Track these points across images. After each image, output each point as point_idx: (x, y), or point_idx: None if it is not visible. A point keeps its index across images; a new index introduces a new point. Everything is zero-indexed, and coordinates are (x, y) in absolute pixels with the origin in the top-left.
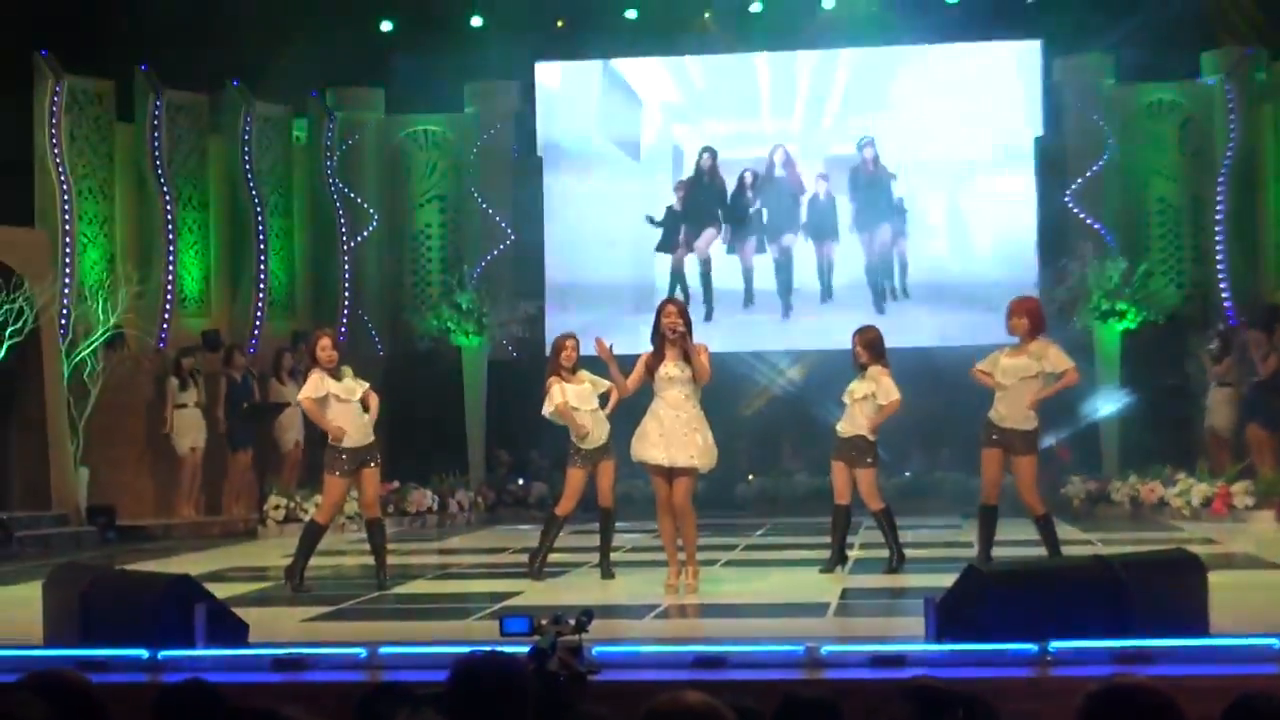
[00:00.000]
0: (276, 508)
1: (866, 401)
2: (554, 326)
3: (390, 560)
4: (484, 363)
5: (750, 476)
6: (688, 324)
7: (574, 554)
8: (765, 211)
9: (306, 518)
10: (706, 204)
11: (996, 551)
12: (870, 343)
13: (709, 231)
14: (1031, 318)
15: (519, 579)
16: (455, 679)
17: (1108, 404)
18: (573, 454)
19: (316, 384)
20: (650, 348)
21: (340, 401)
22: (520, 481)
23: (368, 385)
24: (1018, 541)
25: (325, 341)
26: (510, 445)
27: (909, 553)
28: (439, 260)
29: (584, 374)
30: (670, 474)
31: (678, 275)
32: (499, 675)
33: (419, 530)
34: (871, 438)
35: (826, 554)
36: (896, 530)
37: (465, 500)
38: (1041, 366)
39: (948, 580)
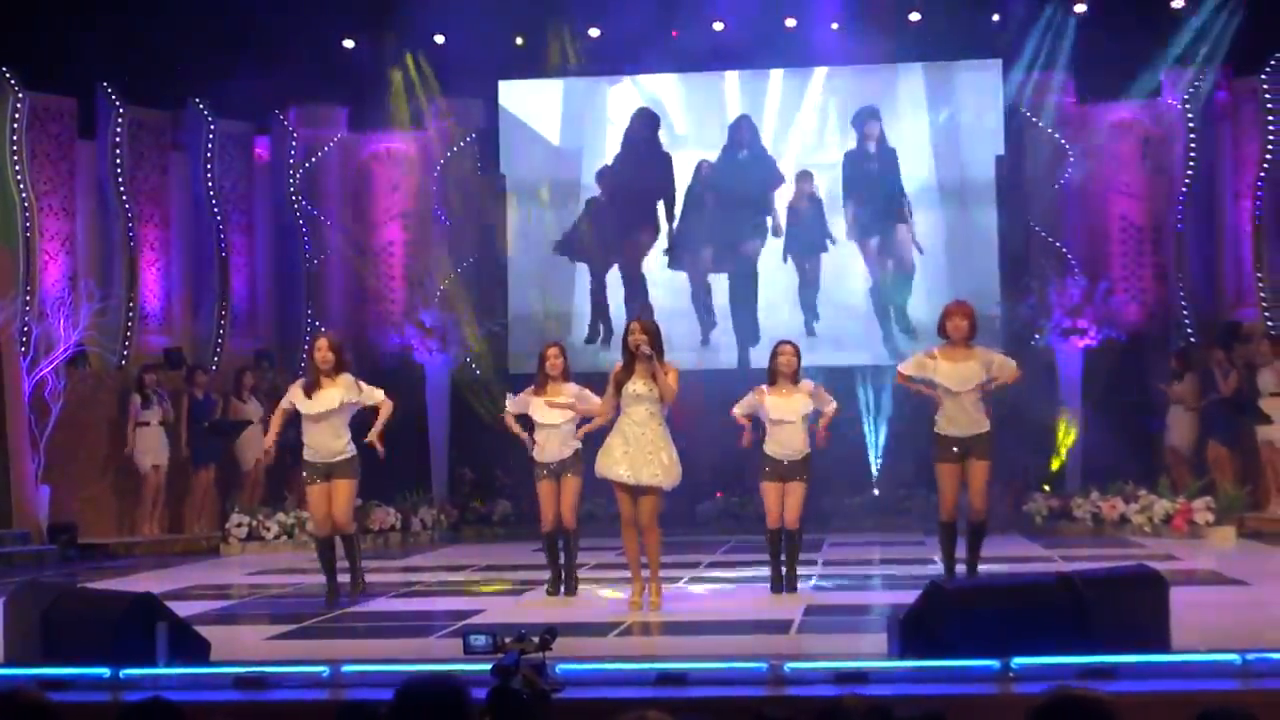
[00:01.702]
0: (239, 525)
1: (804, 419)
2: (518, 345)
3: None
4: (447, 381)
5: (719, 494)
6: (655, 342)
7: (538, 571)
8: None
9: (270, 535)
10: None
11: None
12: (798, 355)
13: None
14: (972, 321)
15: (483, 597)
16: (398, 702)
17: (1070, 421)
18: (535, 469)
19: (290, 396)
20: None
21: (311, 420)
22: (484, 500)
23: (379, 396)
24: (986, 558)
25: (321, 343)
26: (474, 463)
27: (875, 571)
28: (402, 278)
29: (570, 387)
30: (635, 491)
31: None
32: (440, 698)
33: (382, 548)
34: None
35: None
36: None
37: (428, 518)
38: (989, 373)
39: (911, 598)
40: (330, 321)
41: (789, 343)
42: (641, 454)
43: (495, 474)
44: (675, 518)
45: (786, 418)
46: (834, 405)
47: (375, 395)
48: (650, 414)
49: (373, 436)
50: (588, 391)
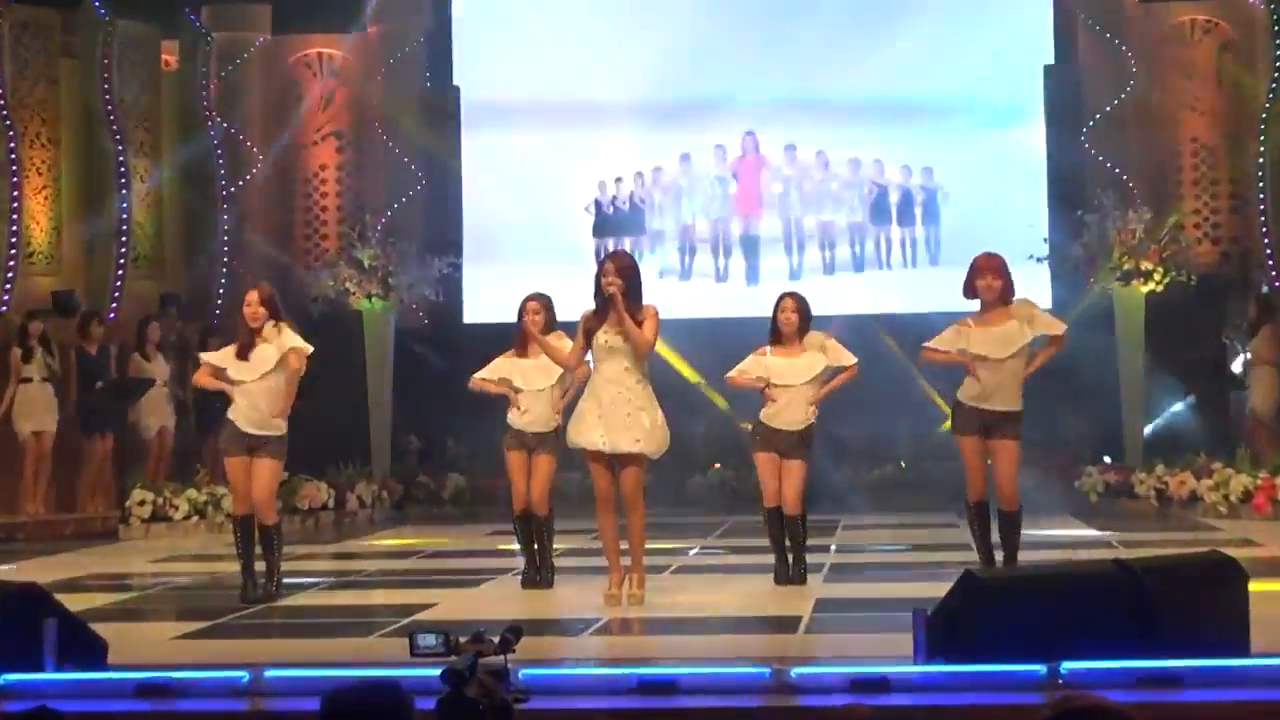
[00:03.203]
0: (141, 504)
1: (813, 382)
2: (473, 287)
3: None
4: (390, 331)
5: (716, 465)
6: (631, 282)
7: (498, 559)
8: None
9: (178, 515)
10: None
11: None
12: (805, 308)
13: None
14: (1007, 279)
15: (432, 588)
16: (326, 713)
17: (1130, 381)
18: (507, 435)
19: (219, 357)
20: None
21: (238, 384)
22: (433, 474)
23: (298, 345)
24: (1031, 542)
25: (251, 296)
26: (421, 430)
27: (899, 558)
28: (336, 209)
29: (555, 339)
30: (612, 462)
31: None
32: (377, 709)
33: (311, 531)
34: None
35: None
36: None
37: (367, 495)
38: (1030, 332)
39: (940, 589)
40: (250, 260)
41: (793, 296)
42: (619, 417)
43: (446, 443)
44: (661, 494)
45: (790, 380)
46: (854, 361)
47: (285, 342)
48: (626, 369)
49: (277, 410)
50: (567, 340)
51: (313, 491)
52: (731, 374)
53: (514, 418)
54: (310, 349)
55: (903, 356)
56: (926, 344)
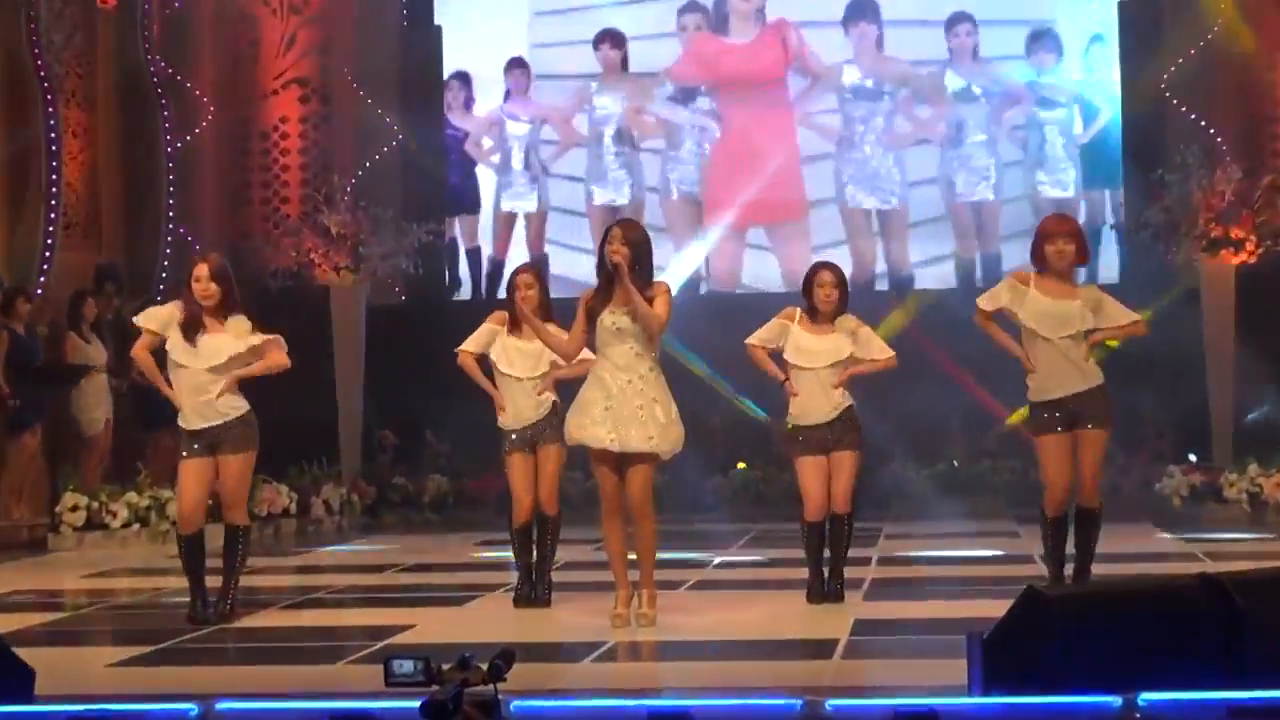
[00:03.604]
0: (74, 509)
1: (841, 365)
2: (461, 259)
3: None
4: (361, 309)
5: (740, 464)
6: (641, 254)
7: (485, 573)
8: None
9: (116, 524)
10: None
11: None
12: (845, 284)
13: None
14: (1081, 245)
15: (410, 606)
16: None
17: (1219, 368)
18: (503, 440)
19: (157, 323)
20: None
21: (182, 369)
22: (411, 474)
23: (275, 338)
24: (1105, 554)
25: (200, 270)
26: (398, 423)
27: (951, 571)
28: (300, 168)
29: (551, 328)
30: (620, 462)
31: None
32: None
33: (271, 541)
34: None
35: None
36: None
37: (334, 499)
38: (1092, 320)
39: (999, 609)
40: (200, 227)
41: (830, 268)
42: (628, 410)
43: (426, 438)
44: (676, 498)
45: (807, 362)
46: (889, 356)
47: (270, 350)
48: (637, 355)
49: (225, 386)
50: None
51: (271, 495)
52: (752, 340)
53: (504, 418)
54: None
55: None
56: (981, 302)
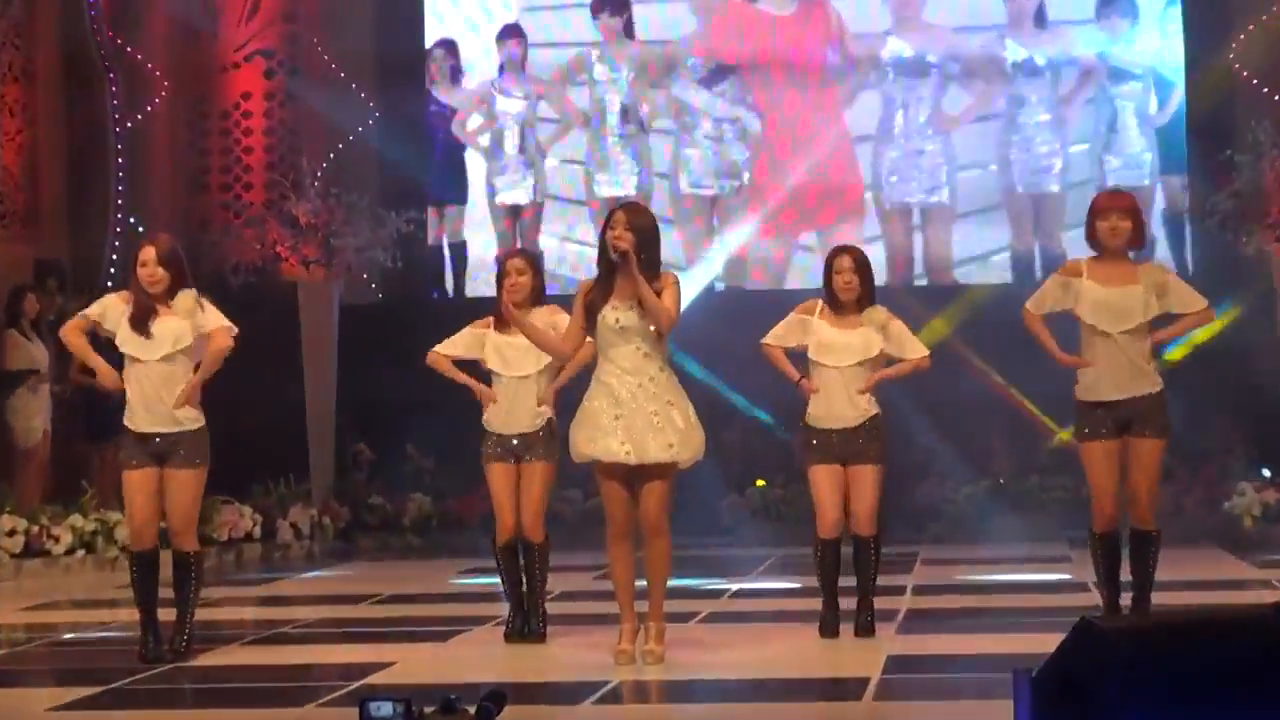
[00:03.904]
0: (11, 534)
1: (871, 364)
2: (440, 249)
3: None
4: (333, 308)
5: (759, 481)
6: (647, 241)
7: (472, 604)
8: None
9: (58, 549)
10: None
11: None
12: (867, 270)
13: None
14: (1137, 222)
15: (389, 642)
16: None
17: None
18: (483, 441)
19: (101, 313)
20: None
21: (136, 363)
22: (390, 493)
23: (225, 325)
24: (1168, 581)
25: (146, 253)
26: (375, 436)
27: (995, 601)
28: (264, 151)
29: (541, 314)
30: (634, 477)
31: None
32: None
33: (232, 568)
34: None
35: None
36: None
37: (304, 521)
38: (1156, 306)
39: (1049, 643)
40: (152, 216)
41: (850, 251)
42: (643, 417)
43: (407, 453)
44: (687, 519)
45: (833, 360)
46: (922, 354)
47: (209, 321)
48: (645, 355)
49: (182, 397)
50: (563, 315)
51: (233, 518)
52: (768, 340)
53: (492, 417)
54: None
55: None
56: (1029, 305)
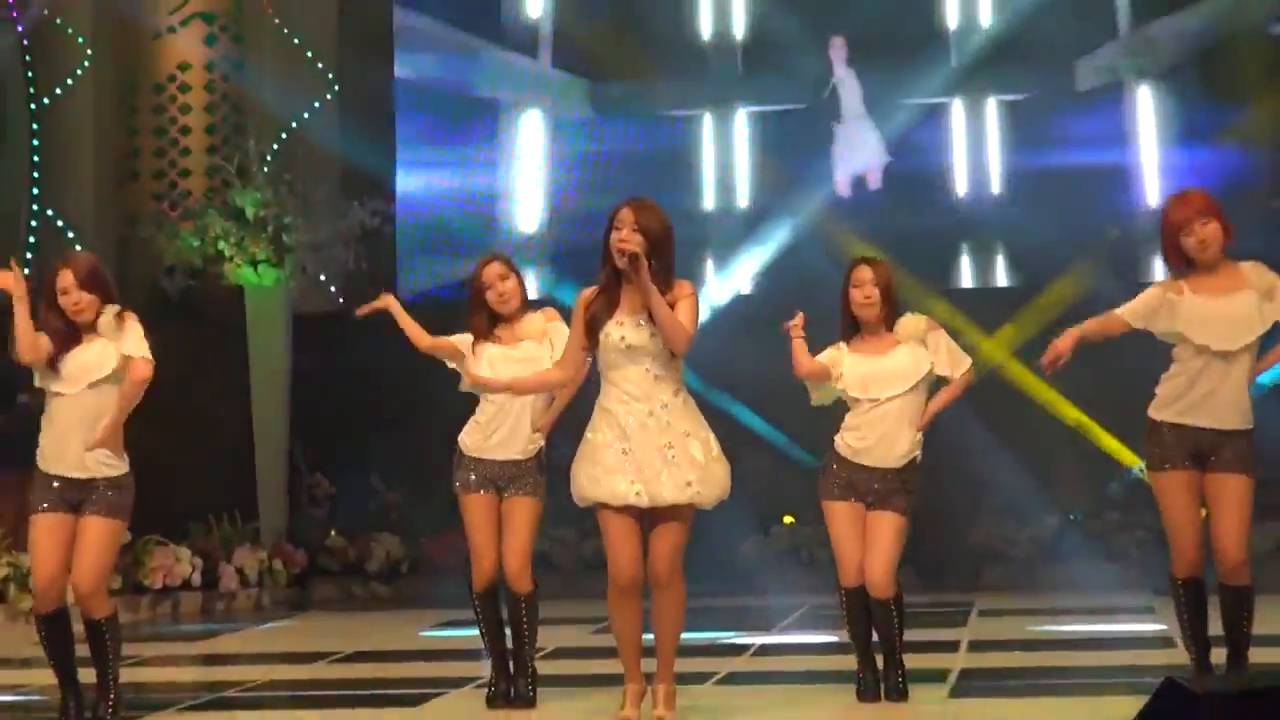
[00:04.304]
0: None
1: (918, 390)
2: (412, 247)
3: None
4: (286, 315)
5: (787, 518)
6: (659, 243)
7: (448, 662)
8: None
9: None
10: None
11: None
12: (889, 285)
13: None
14: (1222, 221)
15: (352, 707)
16: None
17: None
18: (458, 466)
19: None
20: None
21: (58, 397)
22: (352, 534)
23: (141, 354)
24: (1265, 637)
25: (64, 277)
26: (334, 465)
27: (1060, 656)
28: (205, 131)
29: (534, 321)
30: (644, 520)
31: None
32: None
33: (168, 621)
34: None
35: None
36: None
37: (251, 567)
38: (1267, 315)
39: (1130, 707)
40: (74, 208)
41: (869, 263)
42: (655, 450)
43: (371, 485)
44: (702, 564)
45: (879, 392)
46: (968, 365)
47: (126, 346)
48: (657, 378)
49: (96, 438)
50: (561, 324)
51: (168, 562)
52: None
53: (472, 437)
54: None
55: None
56: (1123, 314)
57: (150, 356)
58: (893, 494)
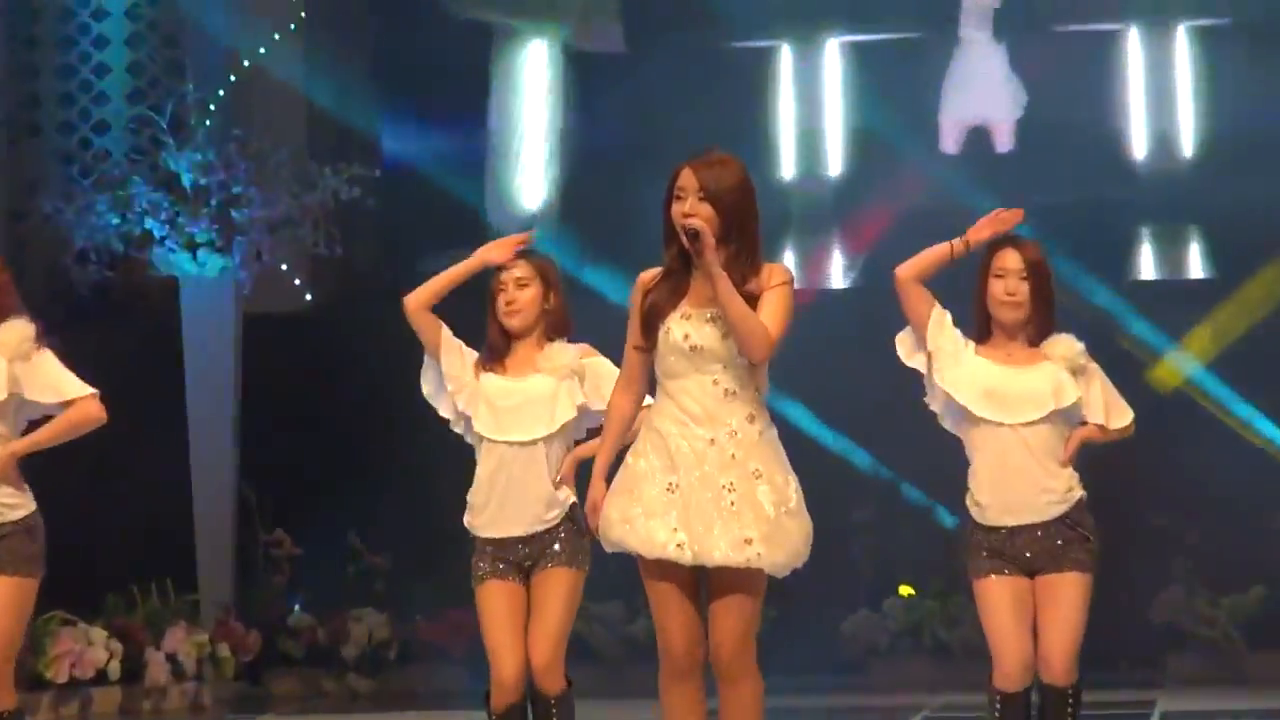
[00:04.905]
0: None
1: (1059, 421)
2: (403, 226)
3: None
4: (235, 316)
5: (904, 589)
6: (736, 211)
7: None
8: None
9: None
10: None
11: None
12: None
13: None
14: None
15: None
16: None
17: None
18: (474, 551)
19: None
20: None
21: None
22: (321, 611)
23: (68, 390)
24: None
25: None
26: (299, 517)
27: None
28: (128, 72)
29: (562, 355)
30: (698, 583)
31: None
32: None
33: None
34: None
35: None
36: None
37: (187, 651)
38: None
39: None
40: None
41: (1018, 246)
42: (709, 491)
43: (348, 544)
44: (790, 649)
45: (997, 413)
46: (1128, 420)
47: (63, 387)
48: (729, 393)
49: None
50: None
51: (77, 647)
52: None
53: (479, 515)
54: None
55: None
56: None
57: (94, 390)
58: (1063, 548)
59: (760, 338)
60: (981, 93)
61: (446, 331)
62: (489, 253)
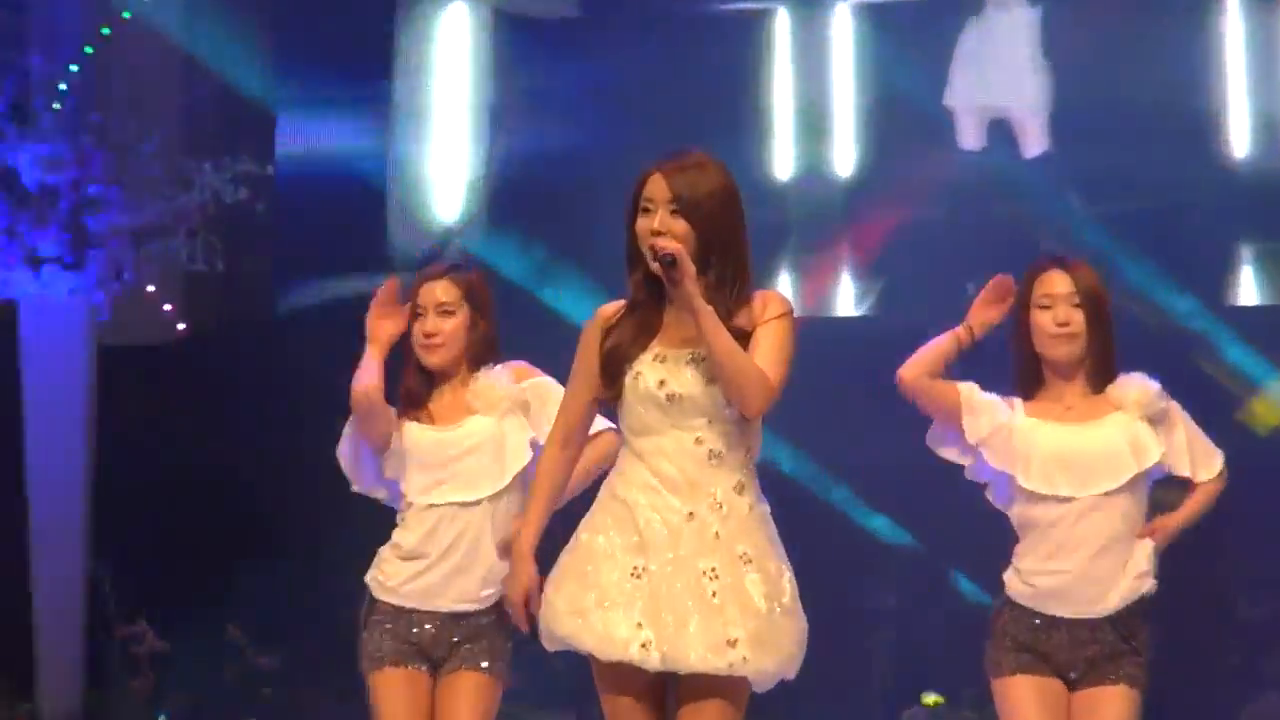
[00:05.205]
0: None
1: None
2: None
3: None
4: (88, 349)
5: (930, 698)
6: (715, 228)
7: None
8: None
9: None
10: None
11: None
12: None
13: None
14: None
15: None
16: None
17: None
18: (366, 621)
19: None
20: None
21: None
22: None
23: None
24: None
25: None
26: (165, 604)
27: None
28: None
29: (492, 387)
30: (664, 690)
31: None
32: None
33: None
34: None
35: None
36: None
37: None
38: None
39: None
40: None
41: (1067, 267)
42: (685, 580)
43: (226, 636)
44: None
45: (1069, 486)
46: (1220, 465)
47: None
48: (712, 455)
49: None
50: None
51: None
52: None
53: (391, 570)
54: None
55: None
56: None
57: None
58: (1113, 657)
59: (756, 384)
60: (1001, 77)
61: (387, 419)
62: (377, 326)
